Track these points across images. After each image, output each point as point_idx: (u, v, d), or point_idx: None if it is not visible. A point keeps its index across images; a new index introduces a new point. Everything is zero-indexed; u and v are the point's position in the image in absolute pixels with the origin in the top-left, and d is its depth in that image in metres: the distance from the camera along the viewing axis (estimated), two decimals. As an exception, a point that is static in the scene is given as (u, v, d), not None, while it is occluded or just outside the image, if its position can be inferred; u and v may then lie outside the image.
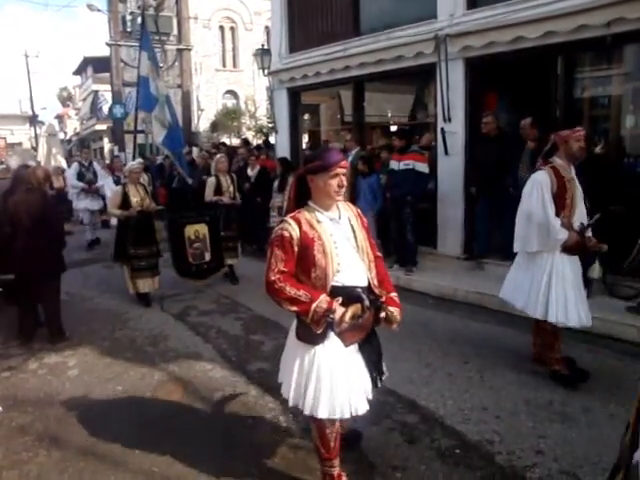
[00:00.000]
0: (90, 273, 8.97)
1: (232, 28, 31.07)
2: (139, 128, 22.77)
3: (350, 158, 8.42)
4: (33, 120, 34.60)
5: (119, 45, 16.14)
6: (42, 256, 5.57)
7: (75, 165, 11.61)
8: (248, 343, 5.61)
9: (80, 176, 11.26)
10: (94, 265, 9.57)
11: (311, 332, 2.76)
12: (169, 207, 8.55)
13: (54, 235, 5.72)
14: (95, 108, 34.95)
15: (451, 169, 7.79)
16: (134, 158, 9.19)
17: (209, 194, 7.79)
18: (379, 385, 3.05)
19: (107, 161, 19.45)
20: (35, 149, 22.95)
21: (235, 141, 21.67)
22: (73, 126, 45.54)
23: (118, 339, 5.90)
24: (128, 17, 16.15)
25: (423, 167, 7.40)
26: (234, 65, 31.31)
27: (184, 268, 7.41)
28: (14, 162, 8.19)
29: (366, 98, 9.60)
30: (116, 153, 15.62)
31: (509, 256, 7.15)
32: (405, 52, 7.99)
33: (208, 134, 26.35)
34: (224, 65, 30.98)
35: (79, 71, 40.36)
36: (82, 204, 11.39)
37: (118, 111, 16.22)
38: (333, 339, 2.79)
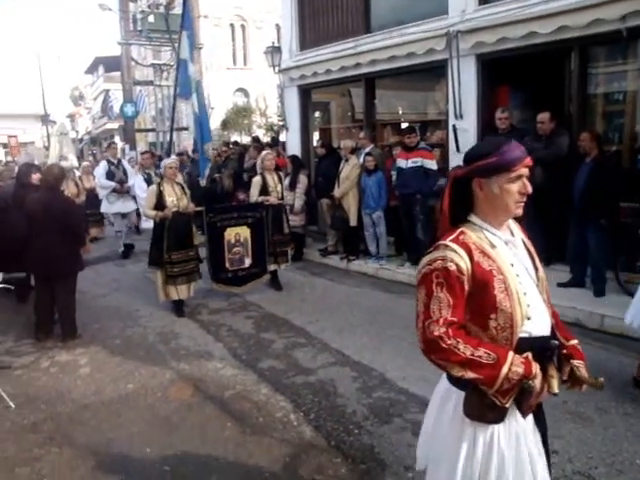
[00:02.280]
0: (102, 271, 8.99)
1: (242, 26, 31.13)
2: (149, 127, 22.94)
3: (362, 156, 8.39)
4: (45, 119, 34.79)
5: (130, 44, 16.14)
6: (58, 255, 5.59)
7: (103, 163, 10.45)
8: (259, 341, 5.60)
9: (109, 175, 10.11)
10: (106, 263, 9.62)
11: (492, 406, 1.91)
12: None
13: (70, 234, 5.74)
14: (106, 107, 35.15)
15: (463, 166, 7.71)
16: (169, 155, 8.82)
17: (254, 194, 7.23)
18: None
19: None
20: (47, 148, 23.08)
21: (246, 139, 21.68)
22: (85, 125, 45.82)
23: (129, 337, 5.91)
24: (139, 16, 16.17)
25: (431, 164, 7.36)
26: (245, 63, 31.38)
27: (220, 274, 6.90)
28: (23, 160, 8.19)
29: (377, 95, 9.56)
30: (127, 152, 15.65)
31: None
32: (416, 49, 7.94)
33: (219, 132, 26.38)
34: (235, 63, 31.05)
35: (90, 70, 40.59)
36: (114, 208, 10.21)
37: (129, 110, 16.24)
38: (511, 411, 1.97)
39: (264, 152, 7.74)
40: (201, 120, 7.95)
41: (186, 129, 20.66)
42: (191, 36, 8.32)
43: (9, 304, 6.87)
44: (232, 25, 30.76)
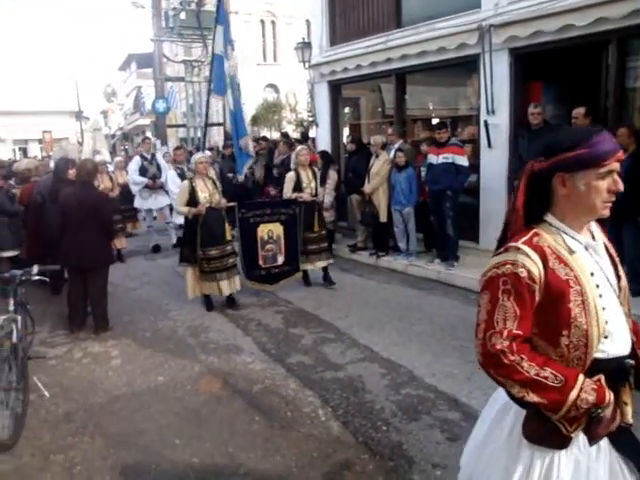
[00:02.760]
0: (132, 264, 9.14)
1: (273, 22, 31.20)
2: (180, 122, 23.15)
3: (392, 152, 8.34)
4: (79, 115, 35.47)
5: (162, 41, 16.32)
6: (91, 248, 5.70)
7: (137, 158, 10.31)
8: (288, 336, 5.62)
9: (142, 171, 9.96)
10: (136, 257, 9.76)
11: (555, 431, 1.69)
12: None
13: (103, 228, 5.85)
14: (138, 103, 35.63)
15: (494, 162, 7.62)
16: (201, 150, 8.73)
17: (288, 190, 7.08)
18: None
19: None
20: (80, 143, 23.51)
21: (275, 135, 21.75)
22: (117, 121, 46.51)
23: (159, 330, 6.00)
24: (171, 13, 16.32)
25: (462, 160, 7.27)
26: (274, 59, 31.45)
27: (253, 271, 6.83)
28: (58, 155, 8.31)
29: (407, 91, 9.48)
30: (159, 147, 15.81)
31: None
32: (448, 43, 7.84)
33: (248, 128, 26.52)
34: (265, 59, 31.14)
35: (123, 67, 41.17)
36: (146, 204, 10.19)
37: (160, 106, 16.43)
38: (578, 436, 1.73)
39: (299, 147, 7.55)
40: (235, 115, 7.84)
41: (216, 125, 20.82)
42: (226, 31, 8.19)
43: (44, 296, 7.01)
44: (262, 21, 30.87)
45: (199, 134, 17.42)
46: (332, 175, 8.65)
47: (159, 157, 10.76)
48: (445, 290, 7.07)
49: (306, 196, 6.99)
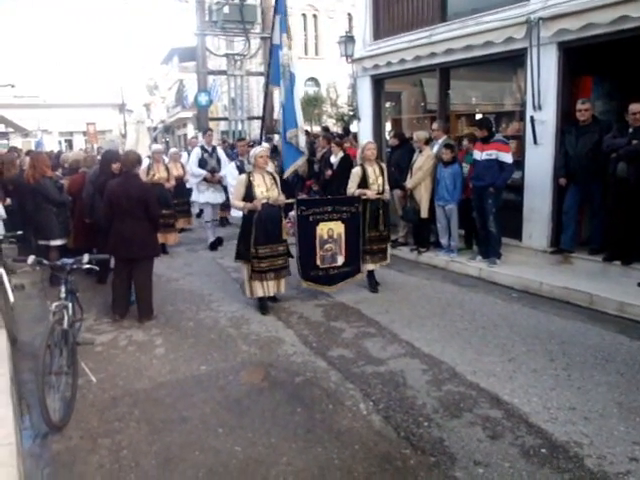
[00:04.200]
0: (174, 256, 9.28)
1: (314, 16, 31.20)
2: (221, 115, 23.37)
3: (436, 147, 8.27)
4: (122, 108, 36.16)
5: (206, 34, 16.48)
6: (139, 239, 5.83)
7: (197, 150, 9.91)
8: (329, 330, 5.64)
9: (202, 163, 9.64)
10: (178, 248, 9.89)
11: None
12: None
13: (149, 218, 5.96)
14: (180, 96, 36.08)
15: (539, 159, 7.48)
16: (260, 143, 8.52)
17: (352, 187, 6.64)
18: None
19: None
20: (124, 136, 23.98)
21: (316, 129, 21.78)
22: (159, 114, 47.20)
23: (202, 320, 6.09)
24: (214, 7, 16.47)
25: (506, 157, 7.14)
26: (316, 52, 31.47)
27: (310, 272, 6.46)
28: (106, 148, 8.37)
29: (451, 85, 9.37)
30: (200, 139, 15.98)
31: (599, 250, 6.88)
32: (494, 37, 7.71)
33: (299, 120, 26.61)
34: (306, 53, 31.21)
35: (166, 61, 41.74)
36: (203, 197, 9.83)
37: (203, 99, 16.59)
38: None
39: (365, 141, 6.97)
40: (285, 107, 7.60)
41: (256, 118, 20.93)
42: (282, 20, 7.90)
43: (89, 285, 7.21)
44: (304, 15, 30.92)
45: (240, 127, 17.55)
46: (374, 170, 8.61)
47: (220, 150, 10.40)
48: (487, 287, 6.99)
49: (370, 193, 6.58)
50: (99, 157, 9.09)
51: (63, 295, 4.33)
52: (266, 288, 6.15)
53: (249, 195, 5.98)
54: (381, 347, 5.12)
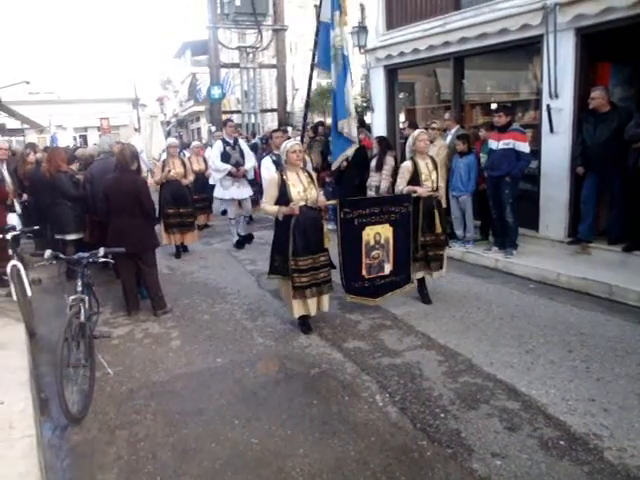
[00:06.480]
0: (190, 249, 9.27)
1: (327, 7, 30.99)
2: (233, 109, 23.36)
3: (449, 138, 8.19)
4: (136, 103, 36.27)
5: (218, 27, 16.44)
6: (134, 234, 5.79)
7: (219, 143, 9.24)
8: (344, 322, 5.63)
9: (225, 157, 8.98)
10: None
11: None
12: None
13: (144, 213, 5.89)
14: (193, 90, 36.09)
15: (556, 148, 7.39)
16: (303, 137, 8.03)
17: (401, 183, 5.87)
18: None
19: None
20: (138, 130, 24.04)
21: (329, 120, 21.70)
22: (172, 108, 47.30)
23: (217, 313, 6.11)
24: (225, 0, 16.40)
25: (524, 147, 7.04)
26: (328, 44, 31.26)
27: (354, 283, 5.62)
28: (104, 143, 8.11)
29: (466, 75, 9.28)
30: (213, 132, 15.97)
31: (617, 240, 6.78)
32: (509, 25, 7.60)
33: (302, 113, 26.54)
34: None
35: (179, 55, 41.77)
36: (228, 193, 9.20)
37: (216, 92, 16.57)
38: None
39: (417, 131, 6.05)
40: (337, 94, 6.96)
41: (270, 111, 20.89)
42: None
43: (105, 278, 7.26)
44: (316, 6, 30.67)
45: (253, 120, 17.51)
46: (389, 161, 8.54)
47: (242, 142, 9.71)
48: (503, 278, 6.92)
49: (422, 190, 5.74)
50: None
51: (80, 289, 4.37)
52: (308, 306, 5.31)
53: (284, 197, 5.09)
54: (397, 339, 5.10)
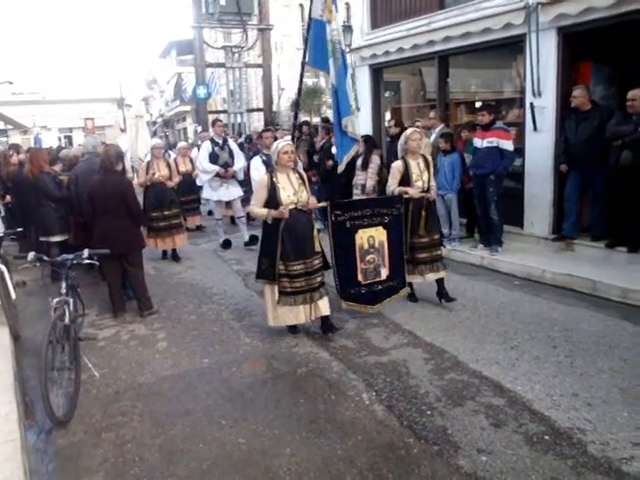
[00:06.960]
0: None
1: (312, 6, 30.98)
2: (219, 108, 23.29)
3: (433, 136, 8.23)
4: (121, 103, 36.04)
5: (203, 27, 16.37)
6: (120, 234, 5.76)
7: (207, 144, 9.00)
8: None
9: (213, 157, 8.79)
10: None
11: None
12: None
13: (130, 214, 5.86)
14: (179, 90, 35.94)
15: (540, 146, 7.45)
16: (293, 137, 7.80)
17: (392, 184, 5.74)
18: None
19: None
20: (123, 130, 23.88)
21: (316, 120, 21.70)
22: (158, 108, 47.05)
23: (204, 313, 6.09)
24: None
25: (507, 144, 7.10)
26: (314, 43, 31.26)
27: (350, 289, 5.47)
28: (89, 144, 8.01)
29: (450, 73, 9.32)
30: (199, 132, 15.92)
31: (600, 237, 6.86)
32: (493, 24, 7.65)
33: (289, 113, 26.51)
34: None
35: (164, 54, 41.59)
36: (216, 195, 9.05)
37: (201, 92, 16.51)
38: None
39: (409, 130, 5.86)
40: (339, 91, 6.71)
41: (257, 110, 20.83)
42: None
43: (91, 279, 7.20)
44: (301, 5, 30.66)
45: (239, 119, 17.46)
46: (375, 159, 8.54)
47: (232, 142, 9.50)
48: (488, 275, 6.97)
49: (413, 191, 5.62)
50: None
51: (64, 291, 4.34)
52: (302, 314, 5.08)
53: (273, 200, 4.90)
54: (383, 337, 5.12)
